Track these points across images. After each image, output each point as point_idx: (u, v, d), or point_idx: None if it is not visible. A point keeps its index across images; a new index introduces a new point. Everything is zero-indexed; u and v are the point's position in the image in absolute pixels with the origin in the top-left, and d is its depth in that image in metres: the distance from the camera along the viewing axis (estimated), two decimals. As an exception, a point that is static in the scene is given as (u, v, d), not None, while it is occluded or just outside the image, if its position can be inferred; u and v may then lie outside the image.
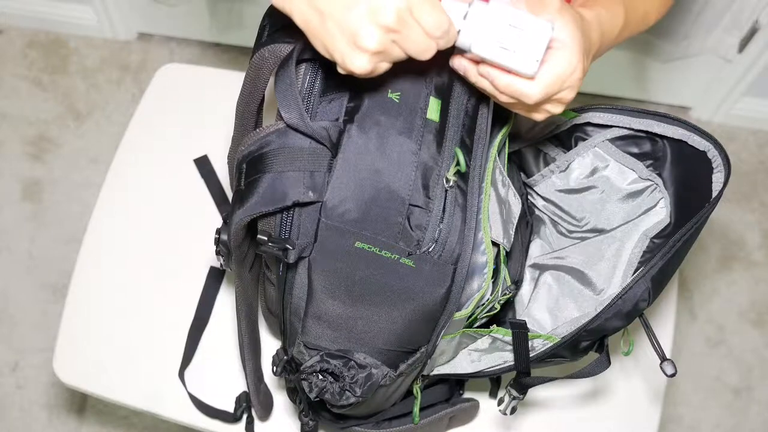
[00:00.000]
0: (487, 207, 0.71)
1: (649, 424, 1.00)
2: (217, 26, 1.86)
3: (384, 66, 0.59)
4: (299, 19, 0.59)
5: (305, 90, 0.66)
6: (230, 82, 1.12)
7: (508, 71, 0.61)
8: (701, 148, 0.75)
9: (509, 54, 0.60)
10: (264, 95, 0.74)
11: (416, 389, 0.84)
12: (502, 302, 0.80)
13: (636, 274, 0.78)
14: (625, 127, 0.81)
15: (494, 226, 0.74)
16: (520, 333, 0.76)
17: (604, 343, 0.78)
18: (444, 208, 0.65)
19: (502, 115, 0.77)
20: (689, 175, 0.78)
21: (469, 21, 0.60)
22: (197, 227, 1.09)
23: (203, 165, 1.14)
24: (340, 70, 0.59)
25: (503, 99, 0.64)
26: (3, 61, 1.93)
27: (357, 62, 0.57)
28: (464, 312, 0.72)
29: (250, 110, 0.75)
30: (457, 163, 0.65)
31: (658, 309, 1.06)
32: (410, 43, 0.57)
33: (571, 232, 0.89)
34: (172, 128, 1.17)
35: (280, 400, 0.99)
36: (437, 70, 0.68)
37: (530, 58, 0.60)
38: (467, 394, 0.97)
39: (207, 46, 1.95)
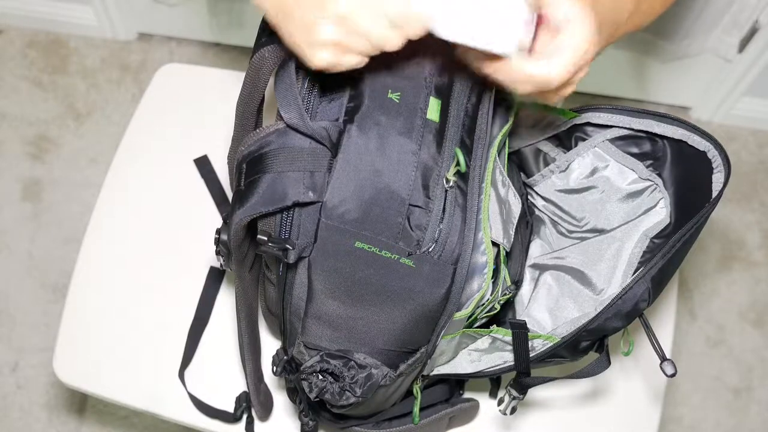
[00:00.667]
0: (487, 207, 0.71)
1: (649, 424, 1.00)
2: (217, 26, 1.86)
3: (352, 59, 0.58)
4: (270, 16, 0.59)
5: (305, 90, 0.66)
6: (230, 82, 1.12)
7: (486, 53, 0.59)
8: (701, 148, 0.75)
9: (483, 35, 0.57)
10: (264, 95, 0.74)
11: (416, 389, 0.84)
12: (502, 302, 0.80)
13: (636, 274, 0.78)
14: (625, 127, 0.81)
15: (494, 226, 0.74)
16: (520, 333, 0.76)
17: (604, 343, 0.78)
18: (444, 208, 0.65)
19: (502, 115, 0.77)
20: (689, 175, 0.78)
21: (433, 4, 0.57)
22: (197, 227, 1.09)
23: (203, 165, 1.14)
24: (308, 65, 0.59)
25: (523, 89, 0.62)
26: (3, 61, 1.93)
27: (317, 56, 0.57)
28: (464, 312, 0.72)
29: (250, 110, 0.75)
30: (457, 163, 0.65)
31: (658, 309, 1.06)
32: (369, 33, 0.56)
33: (571, 232, 0.89)
34: (172, 128, 1.17)
35: (280, 400, 0.99)
36: (437, 70, 0.68)
37: (506, 37, 0.57)
38: (467, 394, 0.97)
39: (207, 46, 1.95)
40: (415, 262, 0.64)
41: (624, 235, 0.82)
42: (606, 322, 0.73)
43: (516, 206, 0.80)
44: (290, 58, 0.65)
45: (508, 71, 0.61)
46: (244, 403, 0.97)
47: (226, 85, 1.13)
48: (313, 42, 0.56)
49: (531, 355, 0.78)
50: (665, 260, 0.71)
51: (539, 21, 0.61)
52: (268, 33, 0.72)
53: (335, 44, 0.56)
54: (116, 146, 1.16)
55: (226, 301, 1.06)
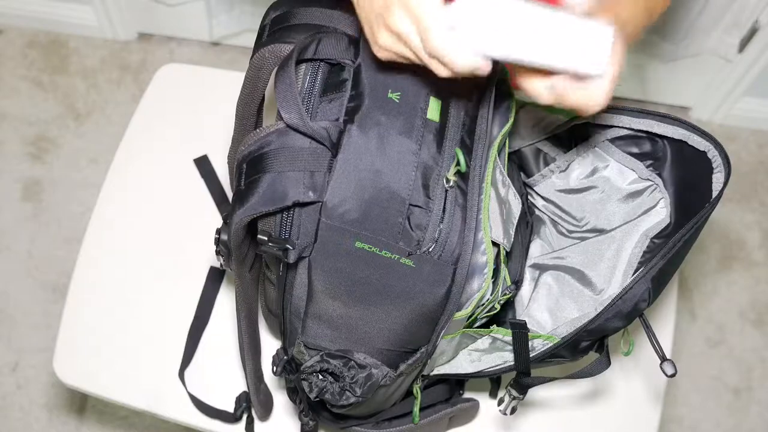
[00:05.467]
0: (488, 207, 0.71)
1: (649, 424, 1.00)
2: (217, 26, 1.86)
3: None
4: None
5: (305, 90, 0.66)
6: (230, 82, 1.12)
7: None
8: (701, 148, 0.75)
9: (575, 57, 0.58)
10: (264, 96, 0.74)
11: (416, 389, 0.84)
12: (502, 302, 0.80)
13: (636, 274, 0.78)
14: (625, 127, 0.81)
15: (494, 226, 0.74)
16: (520, 333, 0.76)
17: (604, 343, 0.78)
18: (444, 208, 0.65)
19: (502, 115, 0.77)
20: (689, 175, 0.78)
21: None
22: (197, 227, 1.09)
23: (203, 165, 1.14)
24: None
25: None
26: (3, 61, 1.93)
27: (378, 53, 0.61)
28: (464, 312, 0.72)
29: (250, 111, 0.75)
30: (458, 163, 0.65)
31: (658, 309, 1.06)
32: (419, 53, 0.58)
33: (571, 232, 0.89)
34: (172, 128, 1.17)
35: (280, 400, 0.99)
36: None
37: (593, 56, 0.58)
38: (467, 394, 0.97)
39: (207, 46, 1.95)
40: (415, 262, 0.64)
41: (624, 235, 0.82)
42: (606, 323, 0.73)
43: (516, 206, 0.80)
44: (291, 57, 0.65)
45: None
46: (244, 403, 0.97)
47: (226, 85, 1.13)
48: (374, 42, 0.60)
49: (531, 355, 0.78)
50: (665, 260, 0.71)
51: None
52: (268, 33, 0.72)
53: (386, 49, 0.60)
54: (116, 146, 1.16)
55: (226, 301, 1.06)
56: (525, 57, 0.58)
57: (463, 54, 0.56)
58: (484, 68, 0.57)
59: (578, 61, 0.59)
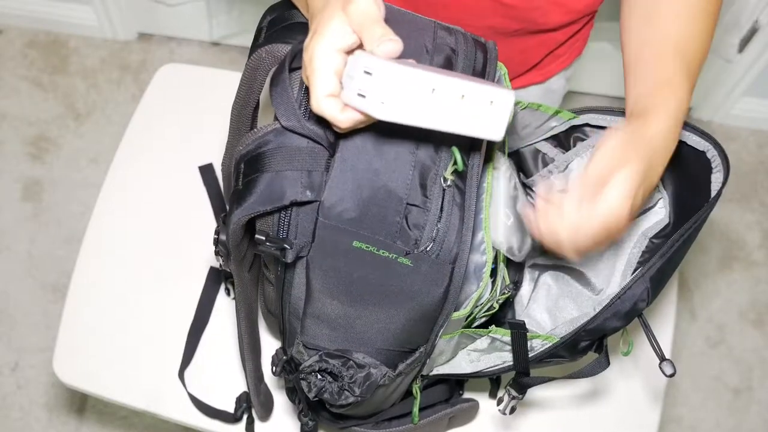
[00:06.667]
0: (488, 206, 0.71)
1: (649, 424, 1.00)
2: (217, 26, 1.86)
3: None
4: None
5: (304, 90, 0.66)
6: (230, 83, 1.11)
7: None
8: (700, 148, 0.75)
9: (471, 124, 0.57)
10: (259, 100, 0.74)
11: (416, 389, 0.84)
12: (500, 301, 0.80)
13: (635, 274, 0.78)
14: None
15: (495, 226, 0.74)
16: (519, 333, 0.76)
17: (603, 343, 0.78)
18: (442, 207, 0.65)
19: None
20: (688, 175, 0.78)
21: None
22: (197, 227, 1.09)
23: (207, 173, 1.14)
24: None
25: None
26: (3, 61, 1.94)
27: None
28: (463, 312, 0.72)
29: (245, 113, 0.75)
30: (455, 162, 0.65)
31: (658, 309, 1.06)
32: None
33: (570, 232, 0.89)
34: (172, 128, 1.17)
35: (281, 400, 0.99)
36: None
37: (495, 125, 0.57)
38: (467, 394, 0.97)
39: (207, 46, 1.95)
40: (413, 261, 0.64)
41: (623, 235, 0.82)
42: (605, 322, 0.73)
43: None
44: (286, 57, 0.65)
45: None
46: (244, 403, 0.97)
47: (226, 85, 1.13)
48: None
49: (530, 356, 0.78)
50: (664, 260, 0.71)
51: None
52: (265, 34, 0.72)
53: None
54: (116, 146, 1.16)
55: (226, 301, 1.06)
56: (414, 123, 0.57)
57: (344, 121, 0.57)
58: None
59: (474, 126, 0.57)
